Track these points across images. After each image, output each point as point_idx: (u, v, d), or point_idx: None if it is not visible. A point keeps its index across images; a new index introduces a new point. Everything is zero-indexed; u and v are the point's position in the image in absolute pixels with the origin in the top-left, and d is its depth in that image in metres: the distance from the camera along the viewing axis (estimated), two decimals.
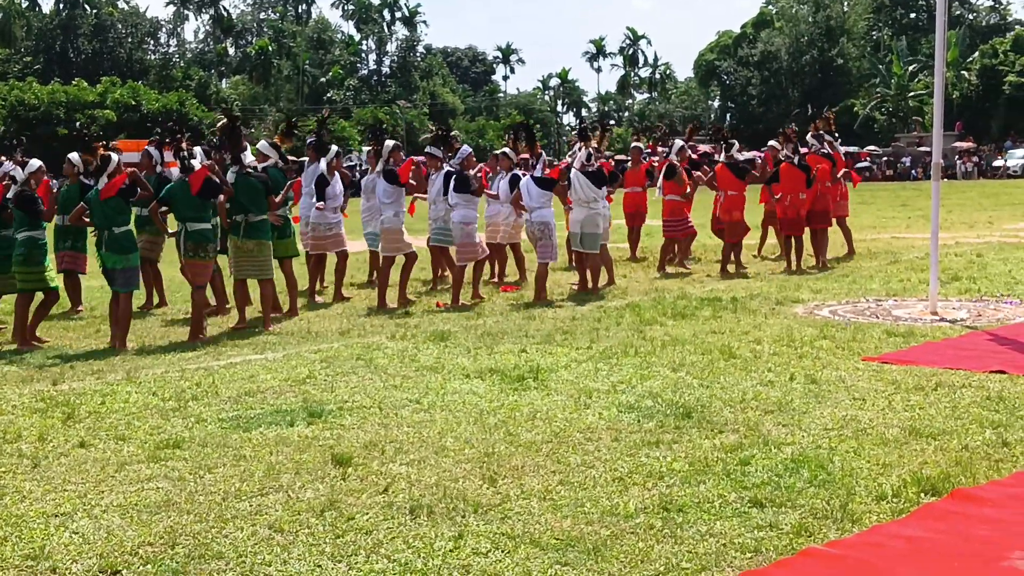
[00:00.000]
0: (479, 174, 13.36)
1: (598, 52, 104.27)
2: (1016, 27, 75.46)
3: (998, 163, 55.66)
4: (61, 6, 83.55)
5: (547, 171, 12.35)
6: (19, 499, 5.18)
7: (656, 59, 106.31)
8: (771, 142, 15.33)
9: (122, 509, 4.98)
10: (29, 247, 9.85)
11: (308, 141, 13.32)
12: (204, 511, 4.91)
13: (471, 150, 12.88)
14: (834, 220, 15.01)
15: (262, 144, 11.79)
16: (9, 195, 9.99)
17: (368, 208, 13.09)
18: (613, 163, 16.24)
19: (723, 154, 14.35)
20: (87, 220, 9.92)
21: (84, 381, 7.99)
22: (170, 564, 4.30)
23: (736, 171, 14.05)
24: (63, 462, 5.79)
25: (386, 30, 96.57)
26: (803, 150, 14.47)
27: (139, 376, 8.06)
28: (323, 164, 12.46)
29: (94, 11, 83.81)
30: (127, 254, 9.54)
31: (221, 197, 9.95)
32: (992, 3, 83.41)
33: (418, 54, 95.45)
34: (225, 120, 10.81)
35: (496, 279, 13.74)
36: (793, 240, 14.22)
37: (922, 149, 55.91)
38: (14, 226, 9.94)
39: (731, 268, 13.78)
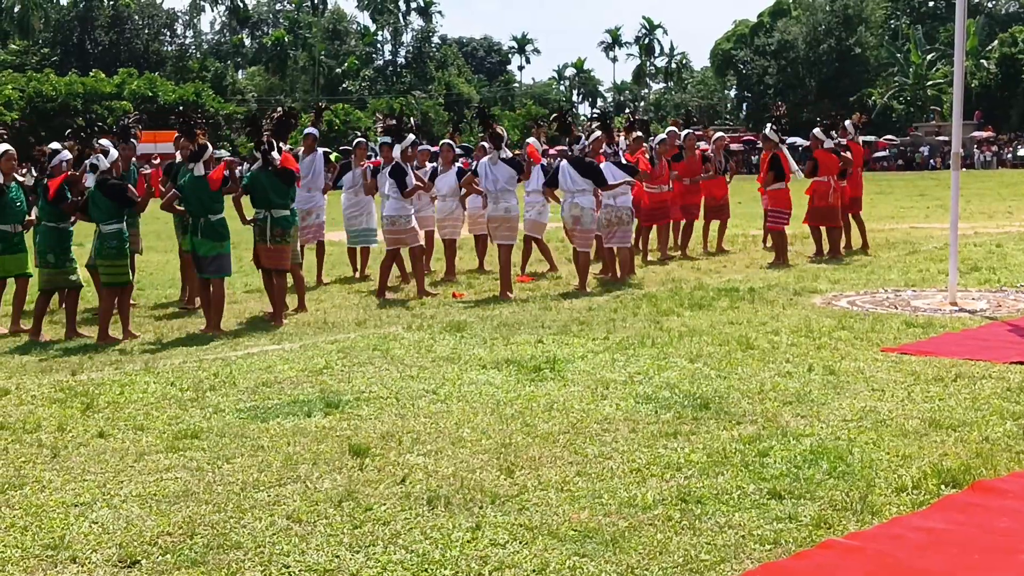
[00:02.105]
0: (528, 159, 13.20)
1: (614, 42, 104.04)
2: None
3: (1020, 152, 55.12)
4: None
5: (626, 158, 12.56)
6: (39, 489, 5.21)
7: (672, 49, 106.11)
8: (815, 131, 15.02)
9: (141, 499, 5.00)
10: (120, 240, 9.54)
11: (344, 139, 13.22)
12: (222, 501, 4.92)
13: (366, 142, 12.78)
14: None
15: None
16: (89, 184, 9.56)
17: (357, 203, 13.09)
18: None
19: (828, 141, 14.37)
20: (179, 207, 9.98)
21: (103, 371, 8.02)
22: (189, 554, 4.31)
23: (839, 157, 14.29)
24: (82, 452, 5.82)
25: (401, 20, 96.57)
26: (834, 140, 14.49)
27: (157, 366, 8.09)
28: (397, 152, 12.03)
29: (111, 2, 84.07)
30: (222, 241, 9.71)
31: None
32: None
33: (433, 44, 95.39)
34: (281, 112, 10.85)
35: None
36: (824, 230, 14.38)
37: (940, 138, 55.55)
38: (99, 217, 9.51)
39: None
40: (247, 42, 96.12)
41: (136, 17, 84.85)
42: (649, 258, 14.60)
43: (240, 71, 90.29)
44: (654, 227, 14.89)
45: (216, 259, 9.67)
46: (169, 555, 4.31)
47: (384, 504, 4.82)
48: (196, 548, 4.37)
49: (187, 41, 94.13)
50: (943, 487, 4.83)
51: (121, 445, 5.92)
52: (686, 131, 15.53)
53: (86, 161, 9.60)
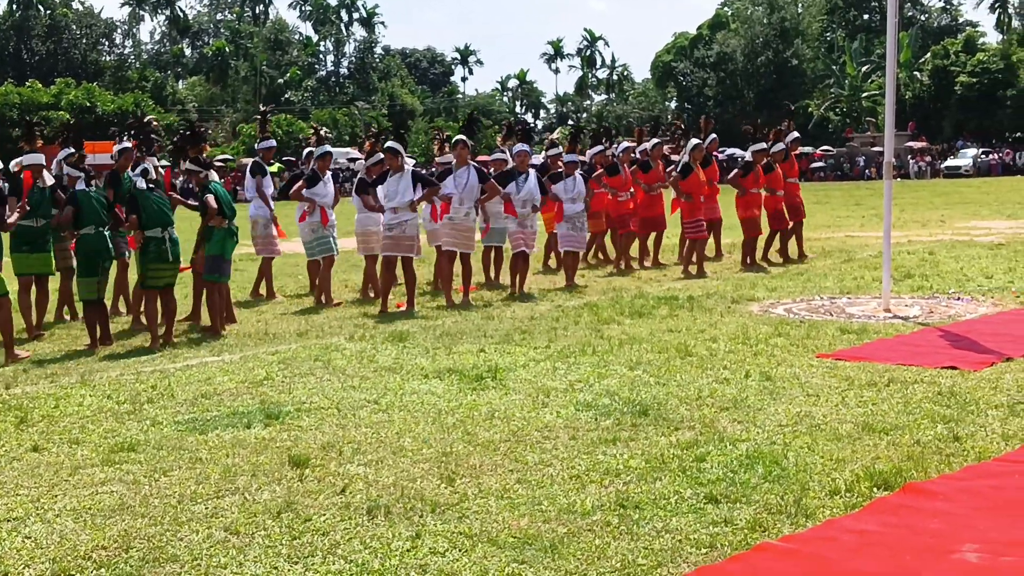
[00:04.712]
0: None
1: (556, 53, 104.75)
2: (967, 28, 76.67)
3: (951, 163, 56.25)
4: (14, 7, 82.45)
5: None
6: None
7: (614, 60, 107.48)
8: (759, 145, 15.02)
9: (75, 513, 4.93)
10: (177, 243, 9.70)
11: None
12: (159, 514, 4.87)
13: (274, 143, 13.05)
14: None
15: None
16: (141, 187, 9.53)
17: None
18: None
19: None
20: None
21: (37, 385, 7.89)
22: (124, 568, 4.26)
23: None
24: (16, 466, 5.72)
25: (344, 31, 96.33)
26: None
27: (93, 379, 7.97)
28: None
29: (48, 12, 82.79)
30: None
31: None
32: (943, 4, 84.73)
33: (376, 55, 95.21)
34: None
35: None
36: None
37: (876, 149, 56.54)
38: (150, 223, 9.45)
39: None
40: (187, 52, 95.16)
41: (74, 27, 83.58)
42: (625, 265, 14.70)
43: (180, 81, 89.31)
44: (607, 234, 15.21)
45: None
46: (104, 569, 4.26)
47: (323, 515, 4.80)
48: (132, 562, 4.32)
49: (126, 51, 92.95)
50: (875, 490, 4.93)
51: (55, 459, 5.83)
52: (654, 140, 15.51)
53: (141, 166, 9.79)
